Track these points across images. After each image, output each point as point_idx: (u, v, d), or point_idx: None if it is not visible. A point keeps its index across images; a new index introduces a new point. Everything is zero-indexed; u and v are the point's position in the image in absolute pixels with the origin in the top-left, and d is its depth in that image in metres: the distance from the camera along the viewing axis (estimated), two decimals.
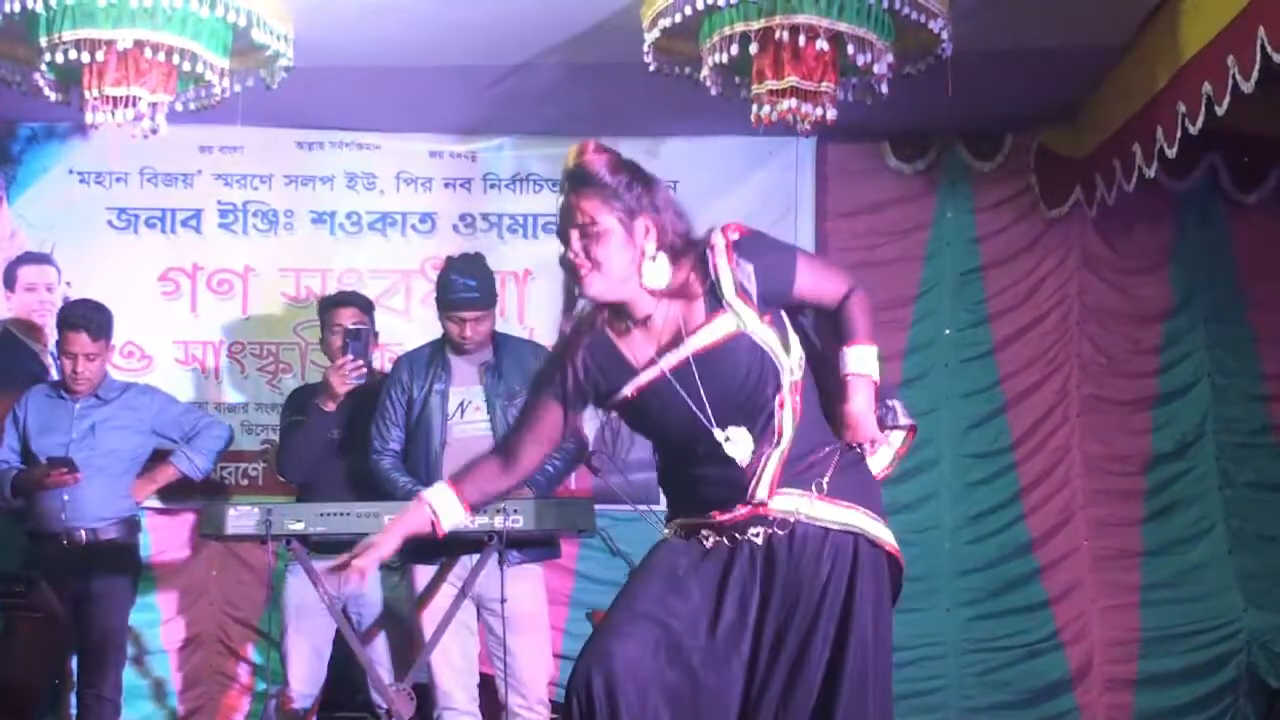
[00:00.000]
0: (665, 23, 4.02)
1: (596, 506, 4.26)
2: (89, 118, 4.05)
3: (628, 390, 2.59)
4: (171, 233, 5.65)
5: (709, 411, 2.53)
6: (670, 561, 2.63)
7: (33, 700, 4.70)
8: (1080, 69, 4.95)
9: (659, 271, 2.55)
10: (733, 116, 4.37)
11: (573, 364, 2.63)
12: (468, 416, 4.29)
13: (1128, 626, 5.66)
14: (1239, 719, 5.58)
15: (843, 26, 3.90)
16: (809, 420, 2.58)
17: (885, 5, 3.92)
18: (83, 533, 4.67)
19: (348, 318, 4.63)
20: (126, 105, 3.99)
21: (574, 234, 2.54)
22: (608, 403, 2.64)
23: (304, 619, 4.48)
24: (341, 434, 4.54)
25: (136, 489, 4.84)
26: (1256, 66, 3.68)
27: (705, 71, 4.12)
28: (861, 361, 2.63)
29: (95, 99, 3.99)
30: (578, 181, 2.54)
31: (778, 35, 3.88)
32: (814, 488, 2.56)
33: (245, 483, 5.52)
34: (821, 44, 3.91)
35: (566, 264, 2.57)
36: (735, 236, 2.59)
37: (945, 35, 4.09)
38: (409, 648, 4.46)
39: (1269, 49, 3.60)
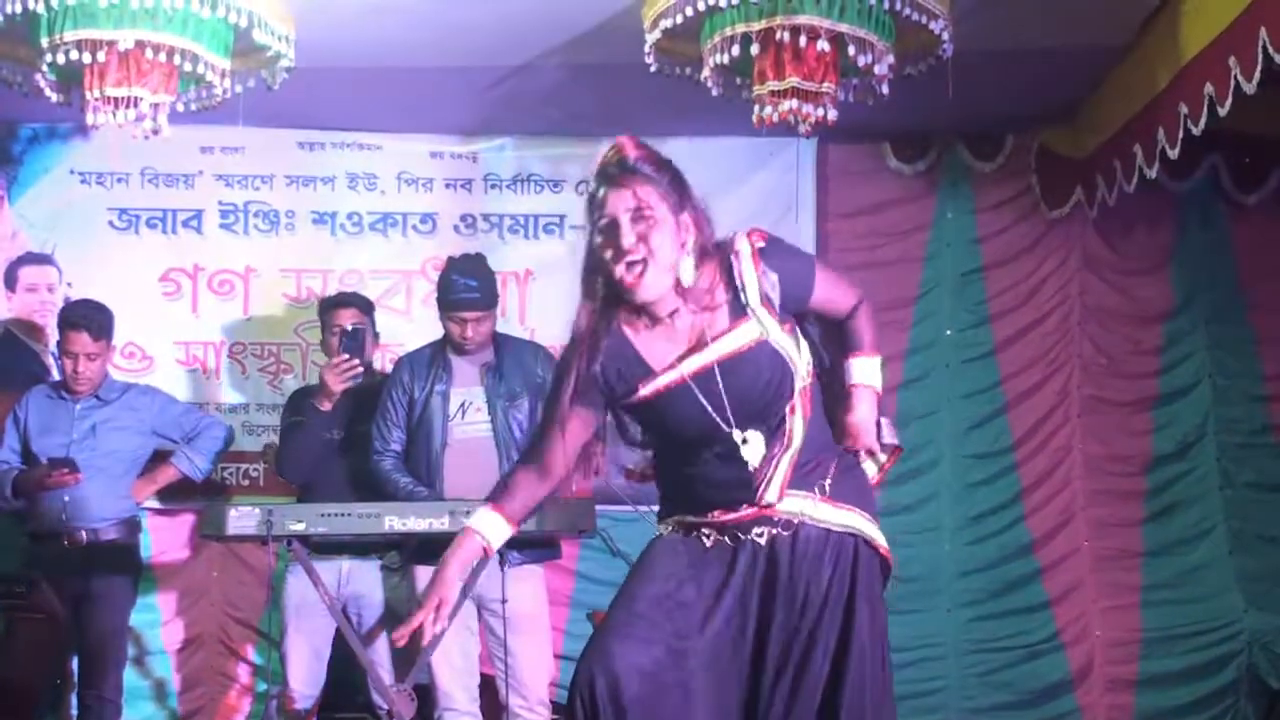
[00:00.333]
0: (666, 23, 4.02)
1: (597, 507, 4.25)
2: (90, 118, 4.04)
3: (645, 391, 2.58)
4: (172, 233, 5.65)
5: (729, 415, 2.53)
6: (670, 560, 2.63)
7: (33, 701, 4.70)
8: (1081, 69, 4.95)
9: (691, 268, 2.54)
10: (734, 117, 4.37)
11: (590, 364, 2.60)
12: (469, 417, 4.29)
13: (1128, 627, 5.66)
14: None
15: (844, 27, 3.90)
16: (815, 425, 2.62)
17: (886, 6, 3.92)
18: (83, 533, 4.67)
19: (347, 318, 4.63)
20: (128, 106, 3.99)
21: (628, 222, 2.49)
22: (623, 403, 2.63)
23: (304, 619, 4.48)
24: (341, 434, 4.54)
25: (137, 489, 4.85)
26: (1258, 67, 3.68)
27: (706, 72, 4.12)
28: (867, 372, 2.68)
29: (96, 100, 3.99)
30: (629, 171, 2.51)
31: (779, 36, 3.88)
32: (817, 490, 2.59)
33: (246, 483, 5.51)
34: (822, 45, 3.91)
35: (602, 260, 2.52)
36: (760, 244, 2.59)
37: (946, 36, 4.09)
38: (410, 648, 4.47)
39: (1270, 49, 3.60)
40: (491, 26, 4.52)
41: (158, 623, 5.44)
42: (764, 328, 2.54)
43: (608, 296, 2.57)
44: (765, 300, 2.55)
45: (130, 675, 4.96)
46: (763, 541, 2.58)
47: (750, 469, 2.55)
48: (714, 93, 4.21)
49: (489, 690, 4.36)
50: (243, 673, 5.51)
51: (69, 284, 5.51)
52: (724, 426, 2.54)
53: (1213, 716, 5.58)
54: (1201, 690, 5.60)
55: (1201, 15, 4.07)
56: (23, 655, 4.65)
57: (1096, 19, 4.47)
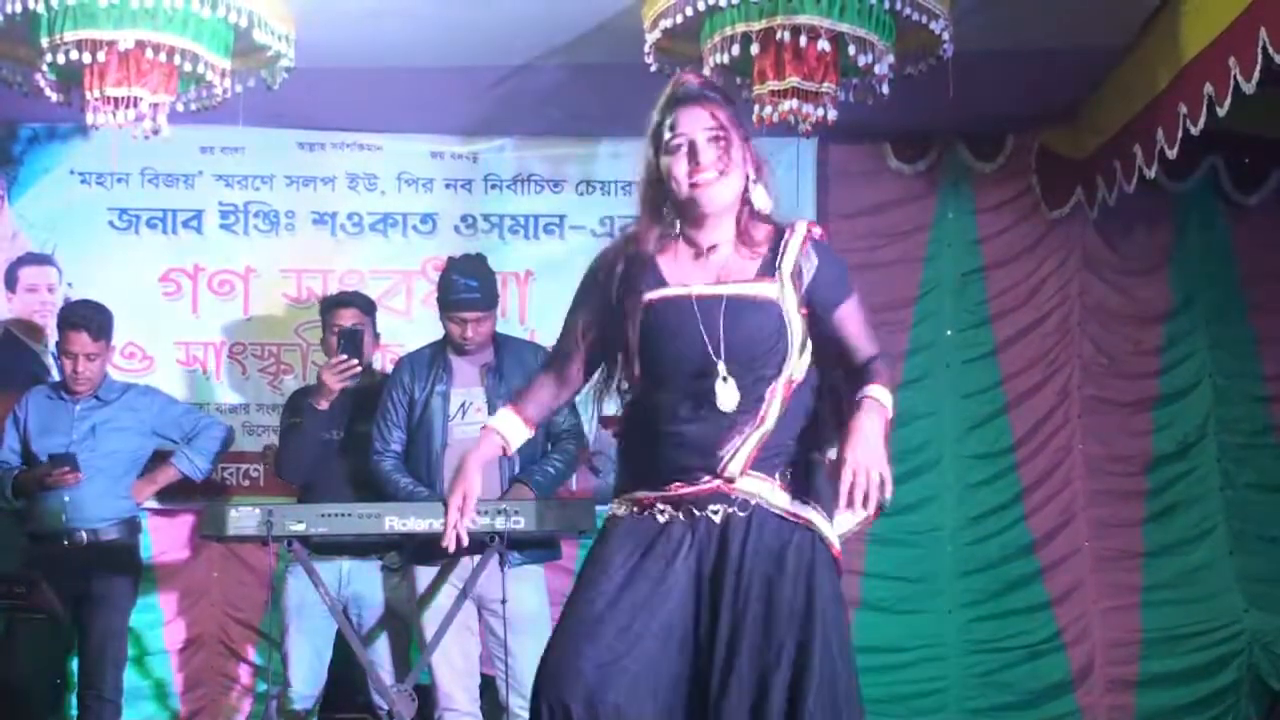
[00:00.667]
0: (666, 23, 4.02)
1: (597, 507, 4.24)
2: (90, 118, 4.05)
3: (651, 296, 2.62)
4: (173, 233, 5.65)
5: (721, 348, 2.56)
6: (624, 547, 2.62)
7: (33, 701, 4.69)
8: (1081, 70, 4.95)
9: (765, 195, 2.65)
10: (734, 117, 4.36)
11: (609, 270, 2.70)
12: (469, 418, 4.28)
13: (1129, 628, 5.66)
14: None
15: (844, 27, 3.91)
16: (792, 420, 2.61)
17: (886, 6, 3.92)
18: (84, 534, 4.67)
19: (347, 318, 4.63)
20: (128, 106, 4.00)
21: (705, 141, 2.58)
22: (626, 303, 2.65)
23: (305, 620, 4.47)
24: (341, 435, 4.54)
25: (137, 490, 4.85)
26: (1258, 67, 3.68)
27: (706, 72, 4.11)
28: (879, 393, 2.63)
29: (96, 100, 3.99)
30: (702, 95, 2.64)
31: (779, 36, 3.88)
32: (778, 476, 2.60)
33: (246, 484, 5.51)
34: (823, 45, 3.91)
35: (672, 178, 2.60)
36: (817, 234, 2.68)
37: (946, 36, 4.09)
38: (398, 648, 4.47)
39: (1270, 50, 3.60)
40: (492, 26, 4.52)
41: (158, 623, 5.45)
42: (783, 294, 2.60)
43: (661, 217, 2.66)
44: (796, 274, 2.61)
45: (131, 675, 4.95)
46: (717, 520, 2.58)
47: (721, 428, 2.55)
48: None
49: (489, 690, 4.36)
50: (243, 673, 5.51)
51: (69, 284, 5.51)
52: (712, 355, 2.56)
53: (1213, 717, 5.58)
54: (1202, 691, 5.60)
55: (1201, 16, 4.07)
56: (23, 656, 4.64)
57: (1097, 19, 4.47)
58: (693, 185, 2.59)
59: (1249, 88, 3.75)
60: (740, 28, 3.93)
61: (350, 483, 4.47)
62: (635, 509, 2.67)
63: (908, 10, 3.96)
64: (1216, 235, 5.77)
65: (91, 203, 5.62)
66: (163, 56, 3.96)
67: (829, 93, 3.98)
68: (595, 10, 4.42)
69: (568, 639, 2.58)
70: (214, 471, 5.08)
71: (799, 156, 5.64)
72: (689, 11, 3.94)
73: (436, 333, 4.44)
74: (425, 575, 4.28)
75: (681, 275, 2.64)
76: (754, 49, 3.97)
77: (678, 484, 2.60)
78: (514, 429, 2.80)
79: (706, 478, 2.58)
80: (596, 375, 2.79)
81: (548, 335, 5.09)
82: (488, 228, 5.70)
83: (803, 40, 3.89)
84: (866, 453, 2.49)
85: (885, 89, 4.17)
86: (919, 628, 5.53)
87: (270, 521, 4.09)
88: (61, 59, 3.96)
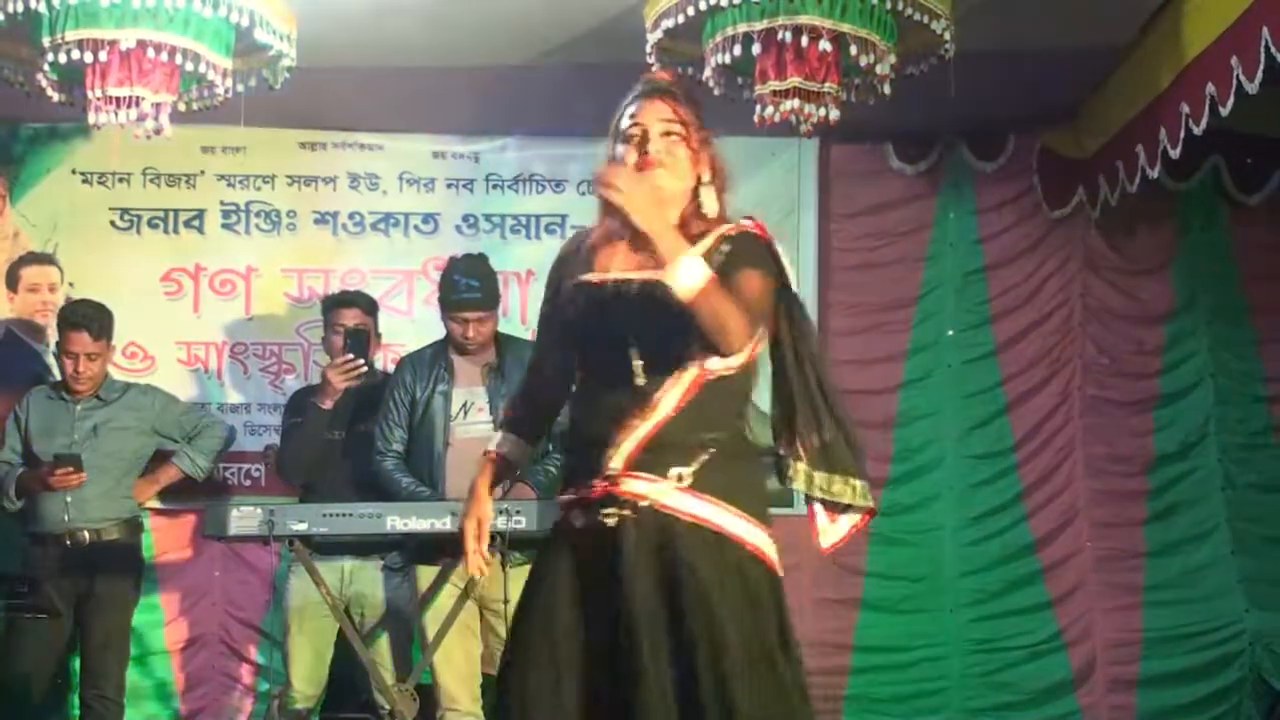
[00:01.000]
0: (668, 23, 4.02)
1: None
2: (92, 118, 4.04)
3: (576, 281, 2.62)
4: (174, 233, 5.65)
5: (631, 334, 2.51)
6: (553, 563, 2.57)
7: (35, 701, 4.69)
8: (1083, 70, 4.95)
9: (714, 200, 2.65)
10: (735, 117, 4.33)
11: (559, 265, 2.73)
12: (471, 417, 4.28)
13: (1130, 627, 5.65)
14: None
15: (845, 27, 3.90)
16: (697, 419, 2.50)
17: (888, 6, 3.91)
18: (85, 533, 4.67)
19: (350, 318, 4.63)
20: (129, 105, 3.99)
21: (658, 135, 2.60)
22: (563, 293, 2.65)
23: (306, 619, 4.47)
24: (343, 435, 4.54)
25: (139, 490, 4.85)
26: (1260, 67, 3.67)
27: (708, 72, 4.12)
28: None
29: (98, 99, 3.99)
30: (671, 89, 2.66)
31: (780, 36, 3.88)
32: (674, 476, 2.49)
33: (248, 483, 5.51)
34: (824, 45, 3.91)
35: (613, 163, 2.59)
36: (750, 226, 2.63)
37: (948, 36, 4.08)
38: (411, 649, 4.47)
39: (1273, 49, 3.60)
40: (493, 26, 4.52)
41: (160, 622, 5.45)
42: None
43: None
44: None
45: (132, 675, 4.96)
46: (611, 524, 2.49)
47: (620, 424, 2.48)
48: (715, 92, 4.20)
49: (490, 690, 4.36)
50: (245, 673, 5.51)
51: (70, 284, 5.51)
52: (625, 341, 2.50)
53: (1215, 717, 5.57)
54: (1203, 690, 5.59)
55: (1203, 15, 4.07)
56: (24, 655, 4.65)
57: (1099, 19, 4.47)
58: (636, 169, 2.56)
59: (1251, 87, 3.74)
60: (742, 28, 3.92)
61: (352, 482, 4.47)
62: (565, 515, 2.62)
63: (909, 10, 3.95)
64: (1219, 235, 5.77)
65: (93, 202, 5.62)
66: (164, 56, 3.95)
67: (830, 93, 3.97)
68: (596, 10, 4.42)
69: (517, 670, 2.54)
70: (215, 471, 5.09)
71: (800, 156, 5.66)
72: (690, 11, 3.93)
73: (438, 332, 4.44)
74: (427, 575, 4.27)
75: (610, 263, 2.61)
76: (755, 49, 3.96)
77: (586, 487, 2.53)
78: (515, 450, 2.82)
79: (598, 480, 2.50)
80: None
81: None
82: (489, 227, 5.70)
83: (804, 40, 3.88)
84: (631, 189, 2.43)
85: (887, 89, 4.16)
86: (920, 627, 5.53)
87: (272, 521, 4.09)
88: (63, 58, 3.95)
